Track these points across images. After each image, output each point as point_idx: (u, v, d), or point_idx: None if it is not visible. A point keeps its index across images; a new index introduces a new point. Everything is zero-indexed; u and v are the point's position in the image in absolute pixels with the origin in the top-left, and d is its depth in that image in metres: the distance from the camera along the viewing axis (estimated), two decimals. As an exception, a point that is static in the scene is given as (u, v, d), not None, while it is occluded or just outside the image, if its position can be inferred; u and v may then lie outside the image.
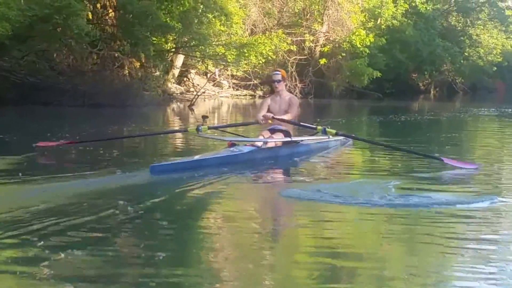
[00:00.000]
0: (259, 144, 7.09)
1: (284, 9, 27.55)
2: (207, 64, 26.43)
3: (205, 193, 5.31)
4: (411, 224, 4.24)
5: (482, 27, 37.45)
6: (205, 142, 8.11)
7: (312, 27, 26.82)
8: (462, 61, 35.41)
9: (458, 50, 34.68)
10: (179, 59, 25.23)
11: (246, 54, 24.73)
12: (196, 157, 6.43)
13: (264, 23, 26.72)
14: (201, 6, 21.21)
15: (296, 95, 26.39)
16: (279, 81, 7.48)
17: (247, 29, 26.15)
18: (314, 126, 7.46)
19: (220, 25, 22.62)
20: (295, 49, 26.86)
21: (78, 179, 5.44)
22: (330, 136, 7.56)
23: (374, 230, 4.08)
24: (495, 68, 38.44)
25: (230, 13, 22.91)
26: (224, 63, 24.88)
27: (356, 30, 26.24)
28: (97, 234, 3.79)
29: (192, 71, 27.24)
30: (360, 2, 27.62)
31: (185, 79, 26.92)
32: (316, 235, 3.94)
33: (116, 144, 8.05)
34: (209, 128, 7.38)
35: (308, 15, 27.18)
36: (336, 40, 26.89)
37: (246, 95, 27.23)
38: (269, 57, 25.22)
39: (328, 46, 26.86)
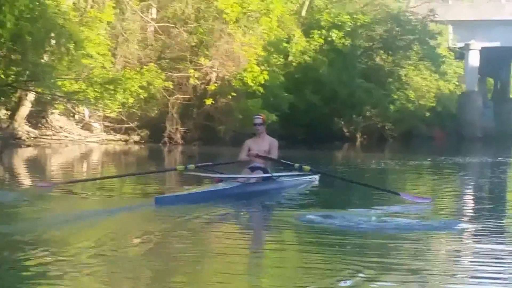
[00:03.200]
0: (243, 180, 8.70)
1: (167, 41, 24.84)
2: (76, 103, 23.46)
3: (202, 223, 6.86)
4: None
5: (413, 67, 35.60)
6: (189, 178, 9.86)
7: (198, 62, 24.27)
8: (388, 105, 33.32)
9: (383, 92, 32.86)
10: (30, 96, 22.17)
11: (113, 92, 21.85)
12: (194, 191, 8.24)
13: (140, 56, 23.90)
14: (41, 31, 18.18)
15: (177, 141, 24.19)
16: (260, 124, 9.15)
17: (117, 62, 23.36)
18: (292, 163, 9.13)
19: (68, 55, 19.68)
20: (174, 87, 24.66)
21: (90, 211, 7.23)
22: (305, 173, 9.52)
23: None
24: (428, 113, 36.90)
25: (83, 40, 19.99)
26: (85, 101, 22.02)
27: (248, 66, 23.56)
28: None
29: (55, 111, 24.20)
30: (259, 34, 24.95)
31: (43, 120, 23.82)
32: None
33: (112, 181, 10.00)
34: (197, 167, 9.01)
35: (201, 46, 24.47)
36: (226, 77, 24.30)
37: (119, 140, 24.39)
38: (141, 96, 22.52)
39: (215, 84, 24.25)
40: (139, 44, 24.86)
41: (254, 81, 24.01)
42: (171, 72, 24.51)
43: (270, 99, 25.84)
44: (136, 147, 23.55)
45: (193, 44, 24.80)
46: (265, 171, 9.01)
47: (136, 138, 24.82)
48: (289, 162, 9.30)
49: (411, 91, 35.34)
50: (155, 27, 25.23)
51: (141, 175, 11.13)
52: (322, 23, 29.89)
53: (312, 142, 28.94)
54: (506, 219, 8.10)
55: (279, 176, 9.45)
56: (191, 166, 9.05)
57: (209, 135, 24.84)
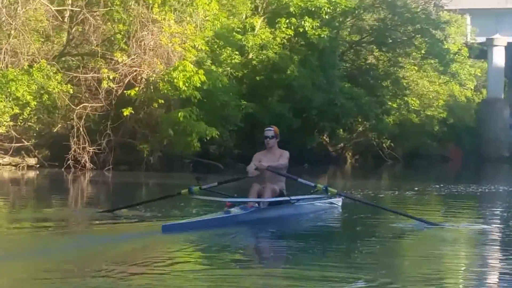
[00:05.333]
0: (256, 203, 9.48)
1: (73, 30, 22.28)
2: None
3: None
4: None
5: (415, 68, 34.04)
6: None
7: (114, 58, 21.92)
8: (382, 116, 31.50)
9: (374, 100, 30.82)
10: None
11: (-8, 98, 20.19)
12: (202, 218, 9.15)
13: (35, 51, 21.49)
14: None
15: (85, 165, 21.35)
16: (272, 137, 9.90)
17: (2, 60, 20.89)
18: (313, 184, 9.84)
19: None
20: (83, 92, 22.54)
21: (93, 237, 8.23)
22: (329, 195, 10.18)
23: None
24: (437, 127, 35.80)
25: None
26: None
27: (179, 64, 21.33)
28: None
29: None
30: (197, 21, 22.30)
31: None
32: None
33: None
34: (201, 189, 9.81)
35: (118, 37, 22.18)
36: (152, 79, 22.03)
37: (9, 164, 22.22)
38: (31, 104, 20.58)
39: (136, 88, 21.79)
40: (39, 35, 22.20)
41: (187, 84, 21.23)
42: (76, 73, 22.38)
43: (216, 109, 23.96)
44: (31, 173, 21.35)
45: (108, 35, 22.55)
46: (279, 190, 9.64)
47: (33, 161, 22.41)
48: (309, 182, 9.87)
49: (413, 98, 33.90)
50: (56, 14, 22.45)
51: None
52: (292, 9, 27.70)
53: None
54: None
55: (298, 200, 10.02)
56: (196, 188, 9.67)
57: (129, 157, 22.83)
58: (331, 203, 11.09)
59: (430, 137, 36.63)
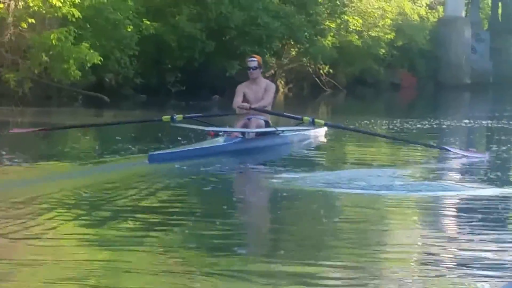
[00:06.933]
0: (238, 134, 10.32)
1: None
2: None
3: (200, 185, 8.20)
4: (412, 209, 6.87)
5: None
6: (183, 131, 11.62)
7: None
8: (316, 37, 30.36)
9: (306, 19, 29.65)
10: None
11: None
12: (191, 146, 10.04)
13: None
14: None
15: None
16: (254, 68, 10.49)
17: None
18: (300, 117, 10.81)
19: None
20: None
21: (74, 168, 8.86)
22: (317, 127, 11.46)
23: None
24: (383, 50, 34.89)
25: None
26: None
27: None
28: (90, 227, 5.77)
29: None
30: None
31: None
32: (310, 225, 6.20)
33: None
34: (185, 118, 10.57)
35: None
36: None
37: None
38: None
39: (1, 5, 20.50)
40: None
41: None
42: None
43: (106, 31, 22.95)
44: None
45: None
46: (265, 123, 10.41)
47: None
48: (295, 115, 11.03)
49: (355, 17, 33.04)
50: None
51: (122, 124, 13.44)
52: None
53: (192, 95, 26.16)
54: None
55: (283, 131, 10.93)
56: (179, 116, 10.34)
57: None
58: (316, 132, 12.17)
59: (377, 61, 36.24)
